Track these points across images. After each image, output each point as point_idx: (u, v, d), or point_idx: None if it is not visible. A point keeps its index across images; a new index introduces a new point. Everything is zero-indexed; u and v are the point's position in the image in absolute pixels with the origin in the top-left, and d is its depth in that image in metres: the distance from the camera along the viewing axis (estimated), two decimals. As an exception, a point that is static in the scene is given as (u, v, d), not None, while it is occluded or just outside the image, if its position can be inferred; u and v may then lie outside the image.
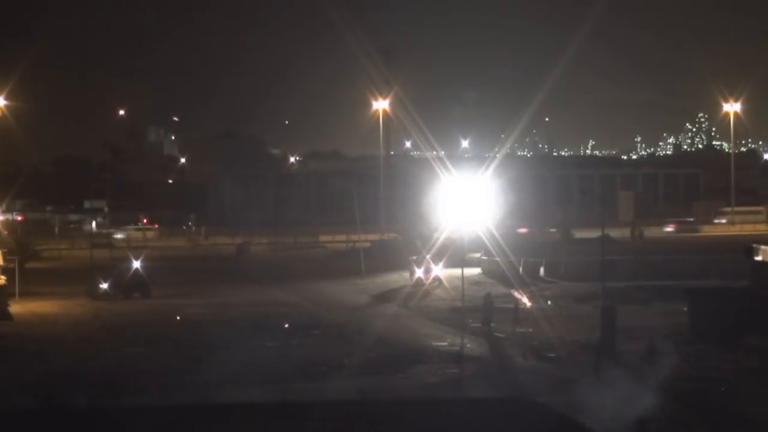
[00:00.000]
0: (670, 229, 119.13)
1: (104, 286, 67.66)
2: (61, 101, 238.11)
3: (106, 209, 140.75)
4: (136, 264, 69.50)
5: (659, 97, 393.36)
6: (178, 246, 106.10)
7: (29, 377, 41.64)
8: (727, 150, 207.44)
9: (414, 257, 73.47)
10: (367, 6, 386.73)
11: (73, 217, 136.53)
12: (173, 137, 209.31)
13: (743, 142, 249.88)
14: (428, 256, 71.34)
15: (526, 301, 59.14)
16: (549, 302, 62.88)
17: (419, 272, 70.40)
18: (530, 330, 52.37)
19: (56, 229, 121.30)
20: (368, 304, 65.16)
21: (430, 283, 69.30)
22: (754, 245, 56.54)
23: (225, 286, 74.92)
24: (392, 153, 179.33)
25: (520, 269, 71.90)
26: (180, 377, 42.00)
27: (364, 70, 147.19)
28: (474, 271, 75.49)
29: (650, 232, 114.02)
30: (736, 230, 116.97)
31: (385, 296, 67.60)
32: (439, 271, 70.10)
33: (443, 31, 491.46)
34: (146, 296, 67.94)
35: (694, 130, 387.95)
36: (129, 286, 68.41)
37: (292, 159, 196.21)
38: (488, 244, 72.75)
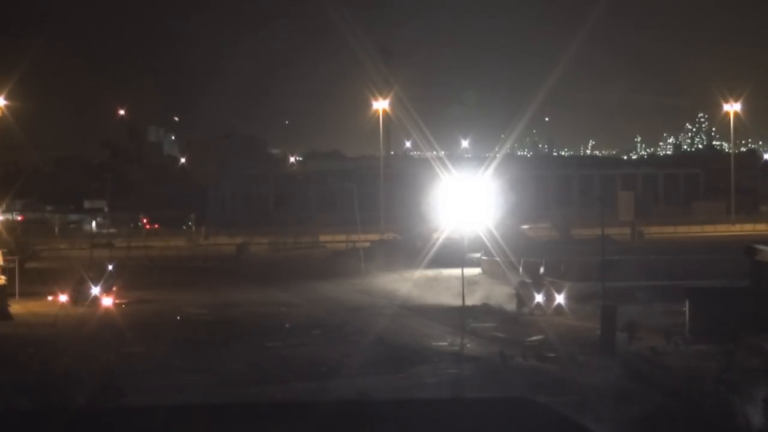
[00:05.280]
0: None
1: (94, 290, 65.07)
2: (61, 101, 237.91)
3: (106, 209, 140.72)
4: (110, 267, 68.56)
5: (659, 97, 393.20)
6: (178, 246, 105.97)
7: (29, 377, 41.62)
8: (727, 150, 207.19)
9: (527, 280, 64.29)
10: (367, 6, 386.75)
11: (73, 217, 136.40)
12: (173, 137, 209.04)
13: (743, 142, 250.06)
14: (549, 280, 63.85)
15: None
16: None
17: (539, 297, 60.75)
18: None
19: (56, 229, 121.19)
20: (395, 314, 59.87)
21: (550, 313, 59.57)
22: (754, 245, 56.58)
23: (225, 286, 74.88)
24: (392, 153, 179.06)
25: (520, 269, 71.86)
26: (180, 377, 42.06)
27: (364, 70, 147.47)
28: (474, 271, 75.49)
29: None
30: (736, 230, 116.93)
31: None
32: (562, 299, 60.58)
33: (443, 31, 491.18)
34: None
35: (694, 130, 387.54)
36: (101, 290, 65.30)
37: (292, 159, 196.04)
38: (488, 244, 72.71)
